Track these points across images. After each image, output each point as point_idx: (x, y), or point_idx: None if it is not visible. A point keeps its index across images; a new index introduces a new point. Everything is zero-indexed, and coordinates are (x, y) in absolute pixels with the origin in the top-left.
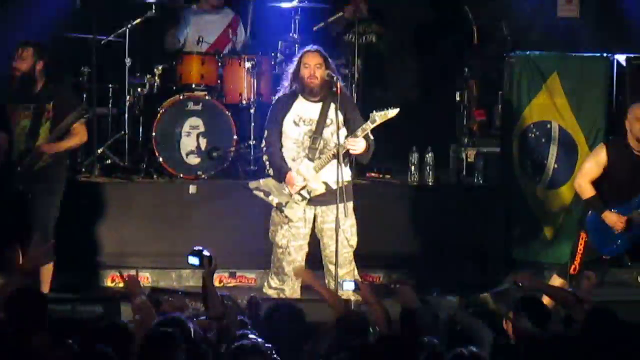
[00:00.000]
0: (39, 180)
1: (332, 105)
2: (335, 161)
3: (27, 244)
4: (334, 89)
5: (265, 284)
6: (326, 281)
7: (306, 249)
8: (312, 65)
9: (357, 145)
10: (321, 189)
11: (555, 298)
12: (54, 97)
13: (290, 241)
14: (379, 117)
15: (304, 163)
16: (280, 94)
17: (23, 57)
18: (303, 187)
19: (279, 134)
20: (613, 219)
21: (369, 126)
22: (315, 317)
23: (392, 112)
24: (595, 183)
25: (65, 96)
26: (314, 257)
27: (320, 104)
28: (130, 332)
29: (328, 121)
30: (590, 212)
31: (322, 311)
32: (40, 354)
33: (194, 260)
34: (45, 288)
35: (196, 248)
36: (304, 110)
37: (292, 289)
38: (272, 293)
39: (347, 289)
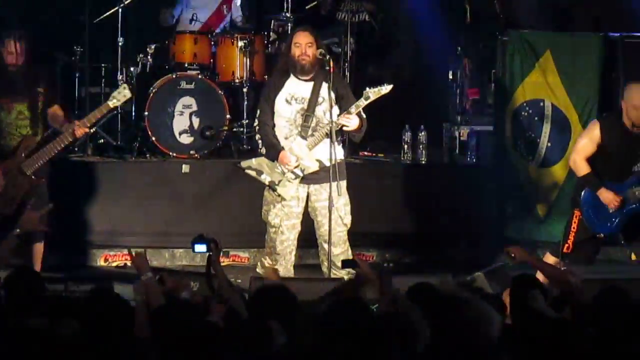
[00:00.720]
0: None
1: (324, 84)
2: (328, 139)
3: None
4: (327, 67)
5: (259, 263)
6: (320, 260)
7: (299, 227)
8: (304, 44)
9: (351, 122)
10: (314, 167)
11: (547, 274)
12: (44, 80)
13: (283, 220)
14: (373, 93)
15: (297, 141)
16: (272, 72)
17: (18, 51)
18: (296, 166)
19: (271, 112)
20: (609, 197)
21: (362, 103)
22: (307, 297)
23: (386, 89)
24: (590, 161)
25: (53, 78)
26: (310, 236)
27: (312, 83)
28: (131, 307)
29: (320, 99)
30: (584, 190)
31: (314, 290)
32: (39, 336)
33: (201, 248)
34: (37, 267)
35: (199, 235)
36: (296, 88)
37: (285, 268)
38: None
39: (347, 268)
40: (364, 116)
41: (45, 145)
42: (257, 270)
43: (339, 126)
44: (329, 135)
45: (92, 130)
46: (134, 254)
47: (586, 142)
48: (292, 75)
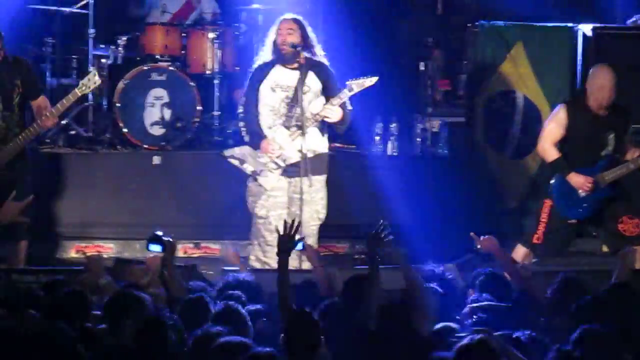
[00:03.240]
0: (23, 157)
1: (310, 72)
2: (312, 130)
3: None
4: (298, 59)
5: (251, 255)
6: None
7: (286, 217)
8: (284, 32)
9: (333, 114)
10: (296, 158)
11: (508, 269)
12: (21, 72)
13: (270, 211)
14: (356, 85)
15: (280, 130)
16: (256, 61)
17: None
18: (278, 155)
19: (255, 100)
20: (580, 180)
21: (345, 94)
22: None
23: (370, 81)
24: (558, 147)
25: (29, 69)
26: None
27: (297, 72)
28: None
29: (305, 88)
30: (554, 178)
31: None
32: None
33: (155, 248)
34: (20, 263)
35: (155, 234)
36: (281, 77)
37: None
38: (259, 265)
39: (296, 249)
40: (350, 108)
41: (15, 138)
42: (250, 262)
43: (322, 117)
44: (312, 125)
45: (63, 122)
46: (87, 257)
47: (553, 126)
48: (277, 64)
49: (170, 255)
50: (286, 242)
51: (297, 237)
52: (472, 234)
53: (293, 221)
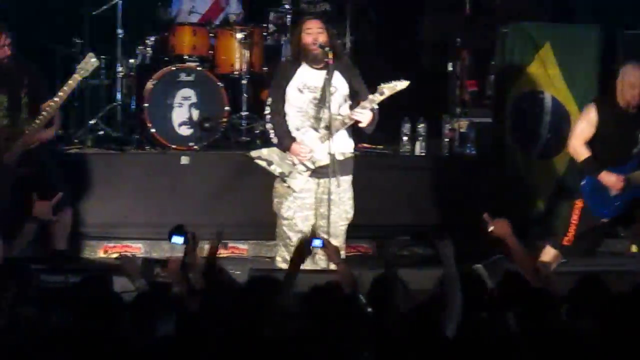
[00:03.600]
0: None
1: (337, 73)
2: (341, 132)
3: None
4: (341, 57)
5: (277, 257)
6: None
7: (312, 219)
8: (314, 31)
9: (364, 117)
10: (325, 160)
11: (518, 259)
12: (28, 72)
13: (296, 212)
14: (388, 89)
15: (309, 133)
16: (282, 62)
17: (6, 44)
18: (308, 158)
19: (282, 102)
20: (612, 179)
21: (377, 98)
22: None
23: (401, 85)
24: (589, 147)
25: (35, 70)
26: None
27: (324, 72)
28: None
29: (332, 89)
30: (584, 178)
31: (309, 282)
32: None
33: (177, 240)
34: (61, 244)
35: (177, 226)
36: (308, 77)
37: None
38: (285, 266)
39: (315, 246)
40: (376, 107)
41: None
42: (276, 263)
43: (352, 120)
44: (338, 129)
45: (91, 122)
46: (120, 257)
47: (583, 125)
48: (304, 64)
49: (191, 247)
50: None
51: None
52: (485, 214)
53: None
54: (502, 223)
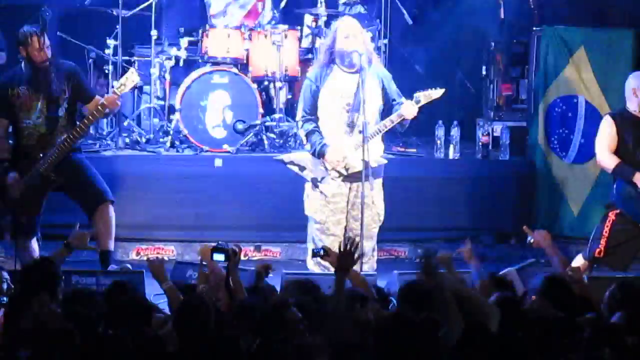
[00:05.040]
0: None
1: (369, 77)
2: (374, 138)
3: None
4: (375, 61)
5: (309, 259)
6: None
7: (344, 223)
8: (351, 35)
9: (410, 111)
10: (359, 167)
11: (560, 271)
12: (68, 76)
13: (329, 216)
14: (424, 97)
15: (343, 139)
16: (315, 66)
17: (45, 47)
18: (343, 165)
19: (315, 107)
20: None
21: (414, 106)
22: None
23: (437, 93)
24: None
25: (75, 72)
26: None
27: (356, 76)
28: (150, 306)
29: (365, 94)
30: (615, 188)
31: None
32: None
33: (219, 257)
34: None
35: (218, 245)
36: (341, 82)
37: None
38: (317, 269)
39: (318, 255)
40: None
41: (59, 144)
42: (308, 266)
43: (387, 128)
44: (374, 135)
45: (124, 124)
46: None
47: (605, 137)
48: (336, 68)
49: (232, 263)
50: (346, 259)
51: (356, 255)
52: (525, 227)
53: (354, 240)
54: (543, 234)
